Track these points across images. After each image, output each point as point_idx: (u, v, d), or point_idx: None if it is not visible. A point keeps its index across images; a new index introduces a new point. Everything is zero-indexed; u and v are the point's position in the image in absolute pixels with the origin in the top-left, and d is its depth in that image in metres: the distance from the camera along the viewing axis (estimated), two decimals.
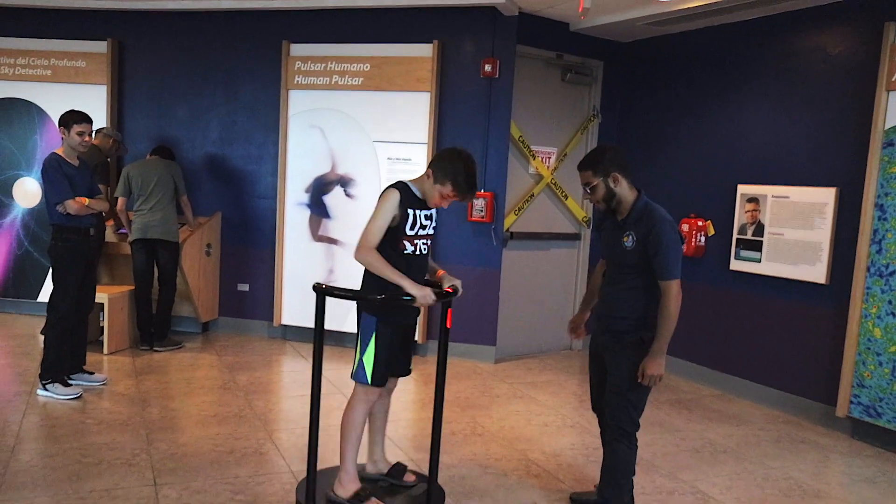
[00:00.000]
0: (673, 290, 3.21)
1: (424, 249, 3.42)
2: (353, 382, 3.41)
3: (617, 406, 3.37)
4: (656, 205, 3.33)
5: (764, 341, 5.70)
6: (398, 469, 3.70)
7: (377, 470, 3.72)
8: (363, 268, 3.31)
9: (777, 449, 4.75)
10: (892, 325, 4.70)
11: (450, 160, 3.27)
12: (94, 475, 3.73)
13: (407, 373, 3.63)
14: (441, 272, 3.51)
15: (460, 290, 3.41)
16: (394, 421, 4.70)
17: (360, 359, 3.33)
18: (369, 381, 3.33)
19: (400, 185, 3.31)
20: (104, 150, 6.43)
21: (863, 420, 4.89)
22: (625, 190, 3.33)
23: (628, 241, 3.30)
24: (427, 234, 3.42)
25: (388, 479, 3.68)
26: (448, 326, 3.36)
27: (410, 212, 3.30)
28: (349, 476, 3.44)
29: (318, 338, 3.29)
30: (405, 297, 3.18)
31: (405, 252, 3.32)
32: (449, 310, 3.36)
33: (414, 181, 3.37)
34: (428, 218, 3.41)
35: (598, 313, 3.55)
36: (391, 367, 3.44)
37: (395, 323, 3.37)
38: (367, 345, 3.32)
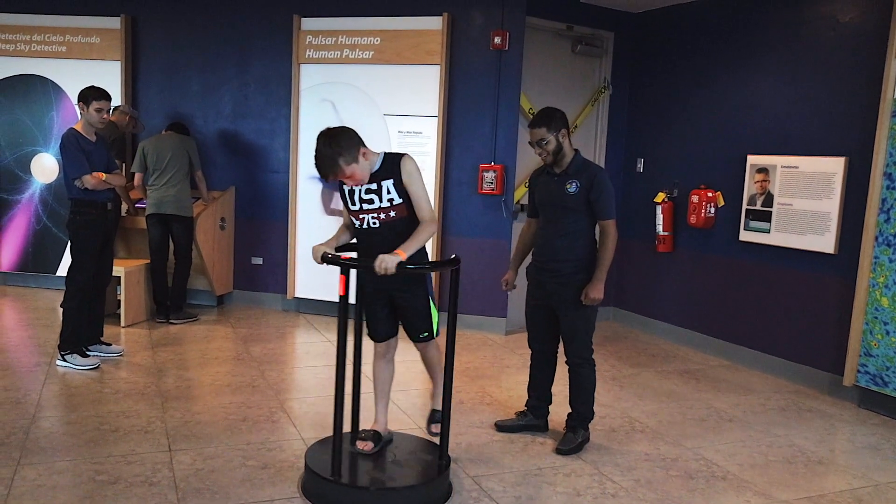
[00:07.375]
0: (612, 228, 3.86)
1: (375, 224, 3.36)
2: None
3: (575, 341, 4.00)
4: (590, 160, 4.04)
5: (772, 312, 5.72)
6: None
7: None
8: None
9: (783, 417, 4.79)
10: None
11: None
12: (111, 441, 3.84)
13: (405, 335, 3.67)
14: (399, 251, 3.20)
15: (376, 267, 3.10)
16: (403, 390, 4.79)
17: None
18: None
19: None
20: (120, 127, 6.51)
21: (869, 389, 4.92)
22: (568, 146, 3.91)
23: (572, 188, 3.86)
24: (378, 208, 3.33)
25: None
26: (340, 293, 3.22)
27: (345, 188, 3.41)
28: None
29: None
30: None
31: (356, 226, 3.47)
32: (341, 276, 3.20)
33: None
34: (371, 192, 3.32)
35: (538, 262, 4.08)
36: (370, 325, 3.68)
37: (364, 283, 3.59)
38: None
